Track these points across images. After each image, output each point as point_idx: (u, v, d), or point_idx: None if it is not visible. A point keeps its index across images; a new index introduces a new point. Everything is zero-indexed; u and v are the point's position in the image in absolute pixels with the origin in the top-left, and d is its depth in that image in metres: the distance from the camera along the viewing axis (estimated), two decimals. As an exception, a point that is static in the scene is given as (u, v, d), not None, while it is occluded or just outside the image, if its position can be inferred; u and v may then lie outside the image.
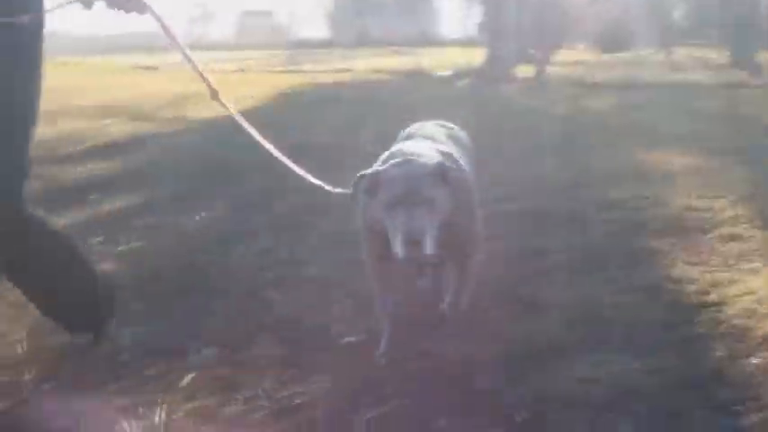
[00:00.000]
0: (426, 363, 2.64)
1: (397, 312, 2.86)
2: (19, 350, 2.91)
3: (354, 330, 2.94)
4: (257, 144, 2.99)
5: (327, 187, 2.98)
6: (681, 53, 22.36)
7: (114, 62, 24.14)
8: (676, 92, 11.88)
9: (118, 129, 8.66)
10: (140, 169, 6.45)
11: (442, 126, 3.17)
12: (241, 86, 13.16)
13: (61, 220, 4.60)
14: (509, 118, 9.32)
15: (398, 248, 2.37)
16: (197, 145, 7.39)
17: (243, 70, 20.25)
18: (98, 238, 4.28)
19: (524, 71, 16.63)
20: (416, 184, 2.43)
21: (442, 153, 2.70)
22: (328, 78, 16.48)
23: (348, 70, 19.29)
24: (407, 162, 2.53)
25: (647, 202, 4.79)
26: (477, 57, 18.05)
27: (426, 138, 2.94)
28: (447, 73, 17.06)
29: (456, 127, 3.25)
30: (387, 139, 3.06)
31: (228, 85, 13.50)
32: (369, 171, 2.56)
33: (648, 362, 2.63)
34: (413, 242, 2.35)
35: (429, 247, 2.36)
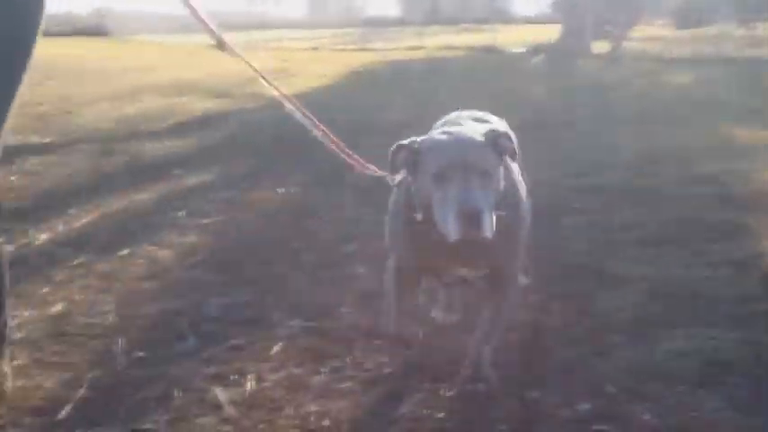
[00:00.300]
0: (512, 335, 2.63)
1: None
2: (110, 320, 2.96)
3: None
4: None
5: (361, 167, 2.74)
6: (761, 28, 21.79)
7: (186, 42, 24.36)
8: (759, 67, 11.59)
9: (197, 106, 8.76)
10: (221, 144, 6.53)
11: (478, 119, 2.65)
12: (314, 64, 13.22)
13: (145, 195, 4.73)
14: (586, 93, 9.21)
15: (451, 226, 2.03)
16: (275, 121, 7.39)
17: (316, 48, 20.34)
18: (181, 212, 4.35)
19: (600, 47, 16.40)
20: (468, 153, 2.10)
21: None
22: (401, 56, 16.44)
23: (420, 47, 19.23)
24: (454, 132, 2.23)
25: (731, 177, 4.70)
26: (551, 34, 17.85)
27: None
28: (521, 49, 16.92)
29: (495, 119, 2.73)
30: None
31: (301, 63, 13.61)
32: (408, 140, 2.21)
33: (739, 335, 2.60)
34: (470, 218, 2.00)
35: (487, 226, 2.02)
